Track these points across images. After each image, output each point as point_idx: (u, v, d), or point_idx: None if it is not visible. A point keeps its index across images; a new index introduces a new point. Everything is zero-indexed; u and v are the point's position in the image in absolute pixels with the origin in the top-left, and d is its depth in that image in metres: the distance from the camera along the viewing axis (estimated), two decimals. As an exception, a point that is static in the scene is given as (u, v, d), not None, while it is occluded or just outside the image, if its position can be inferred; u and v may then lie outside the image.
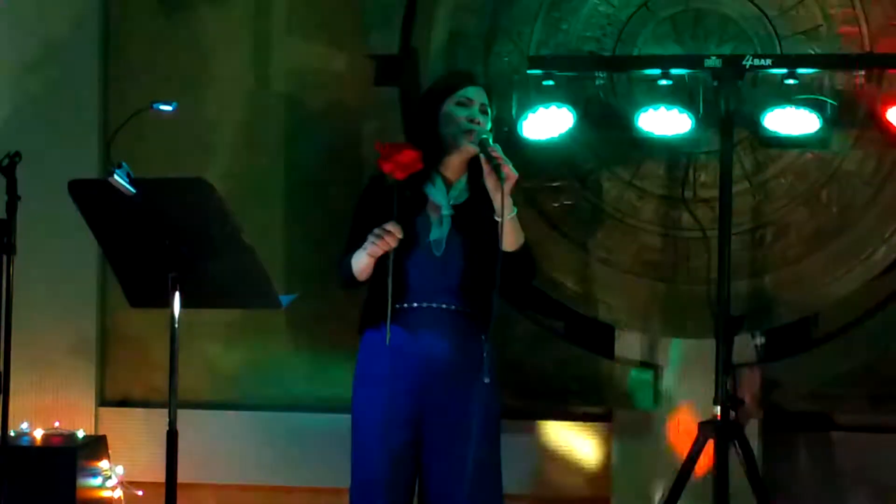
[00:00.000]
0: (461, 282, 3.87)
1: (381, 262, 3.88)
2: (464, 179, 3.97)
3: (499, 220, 3.79)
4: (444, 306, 3.88)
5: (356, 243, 3.92)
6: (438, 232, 3.88)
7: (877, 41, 4.84)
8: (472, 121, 3.92)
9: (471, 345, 3.86)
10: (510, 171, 3.76)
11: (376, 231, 3.81)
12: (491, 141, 3.83)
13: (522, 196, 4.81)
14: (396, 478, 3.89)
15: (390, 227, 3.79)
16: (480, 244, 3.88)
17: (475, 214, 3.90)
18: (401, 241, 3.85)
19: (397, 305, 3.88)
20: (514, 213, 3.84)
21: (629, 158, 5.00)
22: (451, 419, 3.85)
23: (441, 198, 3.92)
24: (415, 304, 3.88)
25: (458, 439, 3.84)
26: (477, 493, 3.84)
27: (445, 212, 3.90)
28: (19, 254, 4.21)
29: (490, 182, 3.79)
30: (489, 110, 4.00)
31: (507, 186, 3.76)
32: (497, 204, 3.77)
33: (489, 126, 3.97)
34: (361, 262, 3.87)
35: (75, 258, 5.33)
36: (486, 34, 5.05)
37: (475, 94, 3.98)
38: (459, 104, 3.95)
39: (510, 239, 3.83)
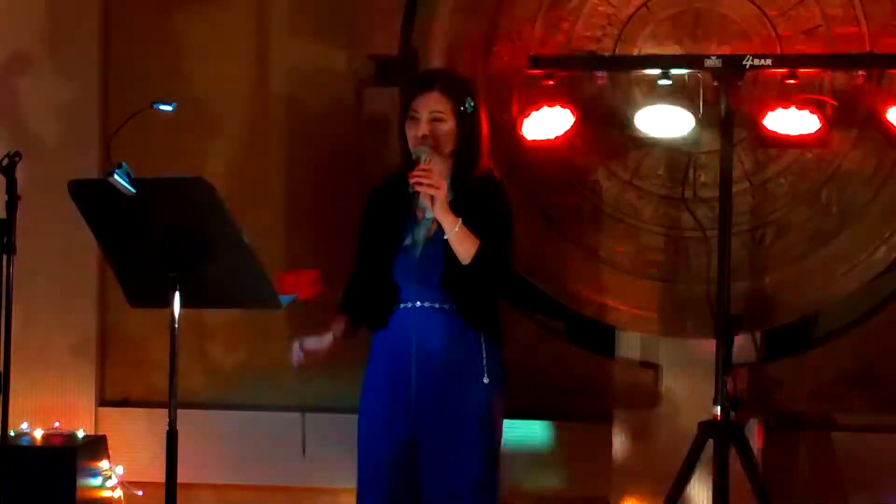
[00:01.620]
0: (443, 281, 3.85)
1: (375, 264, 3.89)
2: (448, 181, 3.93)
3: (445, 237, 3.77)
4: (436, 306, 3.87)
5: (364, 261, 3.96)
6: (412, 236, 3.88)
7: (877, 41, 4.84)
8: (417, 137, 3.85)
9: (466, 344, 3.86)
10: (432, 192, 3.71)
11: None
12: (424, 158, 3.76)
13: (523, 196, 4.82)
14: (397, 477, 3.89)
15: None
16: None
17: (458, 215, 3.85)
18: (385, 245, 3.87)
19: (392, 306, 3.89)
20: (457, 227, 3.74)
21: (629, 158, 5.00)
22: (445, 419, 3.84)
23: (423, 201, 3.90)
24: (409, 305, 3.89)
25: (451, 439, 3.83)
26: (469, 494, 3.83)
27: (429, 215, 3.88)
28: (19, 254, 4.21)
29: (425, 203, 3.78)
30: (456, 110, 3.87)
31: (434, 205, 3.73)
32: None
33: (460, 124, 3.87)
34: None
35: (75, 258, 5.33)
36: (486, 34, 5.05)
37: (423, 103, 3.88)
38: (410, 119, 3.89)
39: (461, 253, 3.77)
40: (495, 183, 3.99)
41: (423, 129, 3.85)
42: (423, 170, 3.75)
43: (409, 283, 3.88)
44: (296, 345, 3.93)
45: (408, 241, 3.87)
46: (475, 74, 4.88)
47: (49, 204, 4.60)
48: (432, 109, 3.87)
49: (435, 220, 3.81)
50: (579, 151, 4.99)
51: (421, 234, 3.85)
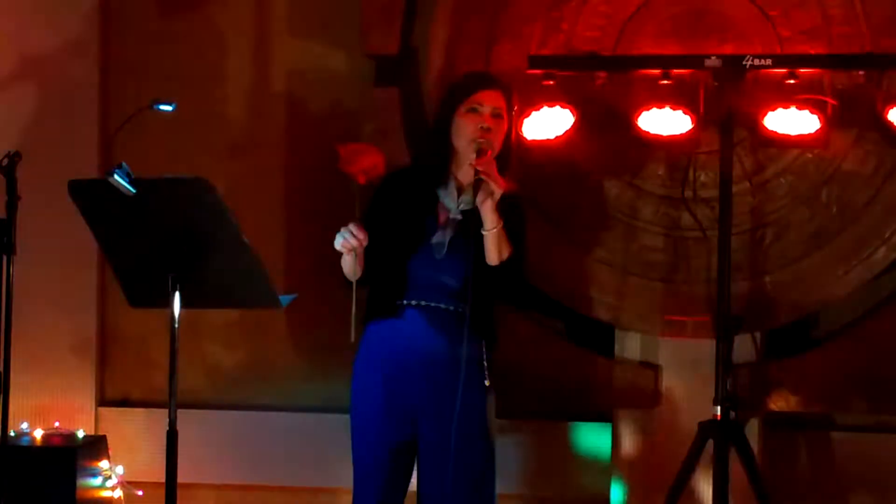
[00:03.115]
0: (460, 285, 3.86)
1: (380, 260, 3.88)
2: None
3: (484, 232, 3.77)
4: (442, 306, 3.87)
5: (372, 240, 3.93)
6: (441, 235, 3.87)
7: (877, 41, 4.84)
8: (481, 129, 3.86)
9: (469, 346, 3.86)
10: (494, 187, 3.71)
11: (342, 230, 3.77)
12: (489, 152, 3.78)
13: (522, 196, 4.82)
14: (393, 472, 3.89)
15: (353, 227, 3.76)
16: (482, 250, 3.86)
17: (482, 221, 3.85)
18: (405, 239, 3.86)
19: (397, 302, 3.89)
20: (499, 226, 3.76)
21: (629, 158, 5.00)
22: (446, 420, 3.84)
23: (450, 202, 3.91)
24: (413, 302, 3.88)
25: (452, 441, 3.83)
26: (468, 494, 3.83)
27: (453, 216, 3.88)
28: (19, 253, 4.21)
29: (478, 194, 3.76)
30: (508, 112, 3.93)
31: (488, 201, 3.73)
32: (482, 216, 3.75)
33: (509, 127, 3.92)
34: (344, 262, 3.86)
35: (75, 258, 5.33)
36: (486, 34, 5.04)
37: (487, 97, 3.91)
38: (470, 111, 3.89)
39: (492, 253, 3.78)
40: (519, 204, 3.99)
41: (488, 122, 3.87)
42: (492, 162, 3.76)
43: (423, 281, 3.87)
44: (352, 225, 3.76)
45: (435, 240, 3.86)
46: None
47: (49, 204, 4.60)
48: (495, 105, 3.91)
49: (459, 223, 3.81)
50: (579, 151, 4.98)
51: (447, 234, 3.85)
